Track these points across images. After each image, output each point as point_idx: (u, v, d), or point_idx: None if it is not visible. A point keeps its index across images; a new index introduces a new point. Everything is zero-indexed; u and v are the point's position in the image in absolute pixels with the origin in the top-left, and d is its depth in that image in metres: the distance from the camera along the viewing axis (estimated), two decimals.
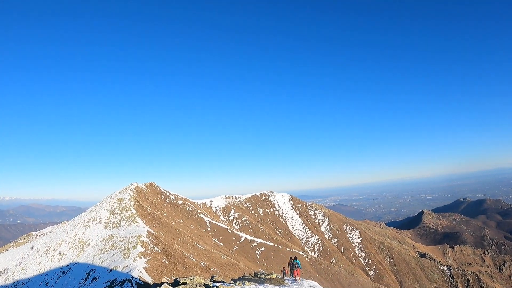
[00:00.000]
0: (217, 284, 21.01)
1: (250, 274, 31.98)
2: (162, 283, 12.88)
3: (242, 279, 26.31)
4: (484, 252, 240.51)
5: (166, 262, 71.69)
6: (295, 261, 34.57)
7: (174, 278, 17.13)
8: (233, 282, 22.66)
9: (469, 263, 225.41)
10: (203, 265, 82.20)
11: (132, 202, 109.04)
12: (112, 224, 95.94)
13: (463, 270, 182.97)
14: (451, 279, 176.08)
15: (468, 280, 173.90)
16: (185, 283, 14.33)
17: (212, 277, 25.22)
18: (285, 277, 32.66)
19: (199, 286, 14.86)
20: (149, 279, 58.36)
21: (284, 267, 38.66)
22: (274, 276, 29.06)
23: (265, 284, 21.19)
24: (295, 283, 24.68)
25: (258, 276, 29.94)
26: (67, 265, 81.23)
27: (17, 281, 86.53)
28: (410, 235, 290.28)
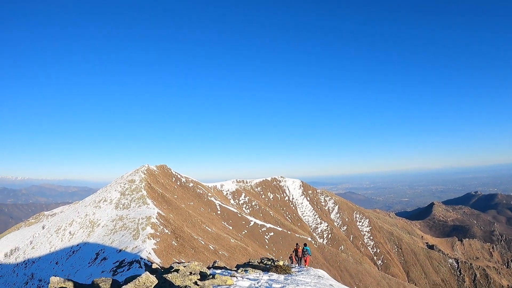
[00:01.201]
0: (217, 271, 20.58)
1: (256, 260, 31.29)
2: (144, 271, 11.99)
3: (246, 265, 25.33)
4: (492, 247, 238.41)
5: (175, 244, 72.01)
6: (305, 248, 33.83)
7: (171, 264, 16.03)
8: (236, 269, 21.39)
9: (477, 257, 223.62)
10: (211, 248, 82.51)
11: (143, 184, 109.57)
12: (123, 205, 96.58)
13: (470, 264, 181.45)
14: (458, 273, 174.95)
15: (475, 274, 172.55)
16: (177, 271, 13.17)
17: (215, 262, 23.77)
18: (292, 265, 31.84)
19: (194, 274, 13.77)
20: (157, 261, 58.69)
21: (291, 254, 37.95)
22: (280, 263, 28.09)
23: (270, 273, 19.18)
24: (302, 272, 22.70)
25: (264, 262, 29.05)
26: (77, 245, 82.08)
27: (28, 259, 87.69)
28: (419, 226, 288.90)
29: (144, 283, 9.01)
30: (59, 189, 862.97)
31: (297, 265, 33.08)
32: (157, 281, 9.16)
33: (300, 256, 34.96)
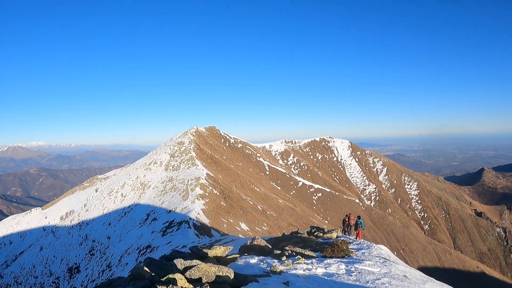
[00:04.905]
0: (251, 260, 15.02)
1: (305, 230, 29.20)
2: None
3: (293, 238, 22.93)
4: None
5: (224, 204, 72.67)
6: (358, 220, 32.22)
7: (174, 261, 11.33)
8: (279, 252, 17.31)
9: None
10: (260, 208, 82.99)
11: (192, 145, 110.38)
12: (172, 167, 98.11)
13: None
14: (505, 242, 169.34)
15: None
16: (167, 284, 8.17)
17: (253, 240, 18.94)
18: (348, 238, 29.75)
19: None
20: (206, 221, 59.46)
21: (341, 227, 36.19)
22: (334, 235, 26.09)
23: (326, 260, 15.17)
24: (363, 252, 19.56)
25: (314, 233, 27.10)
26: (129, 206, 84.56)
27: (82, 221, 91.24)
28: (468, 192, 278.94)
29: None
30: (111, 154, 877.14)
31: (350, 236, 31.57)
32: None
33: (352, 224, 33.48)
